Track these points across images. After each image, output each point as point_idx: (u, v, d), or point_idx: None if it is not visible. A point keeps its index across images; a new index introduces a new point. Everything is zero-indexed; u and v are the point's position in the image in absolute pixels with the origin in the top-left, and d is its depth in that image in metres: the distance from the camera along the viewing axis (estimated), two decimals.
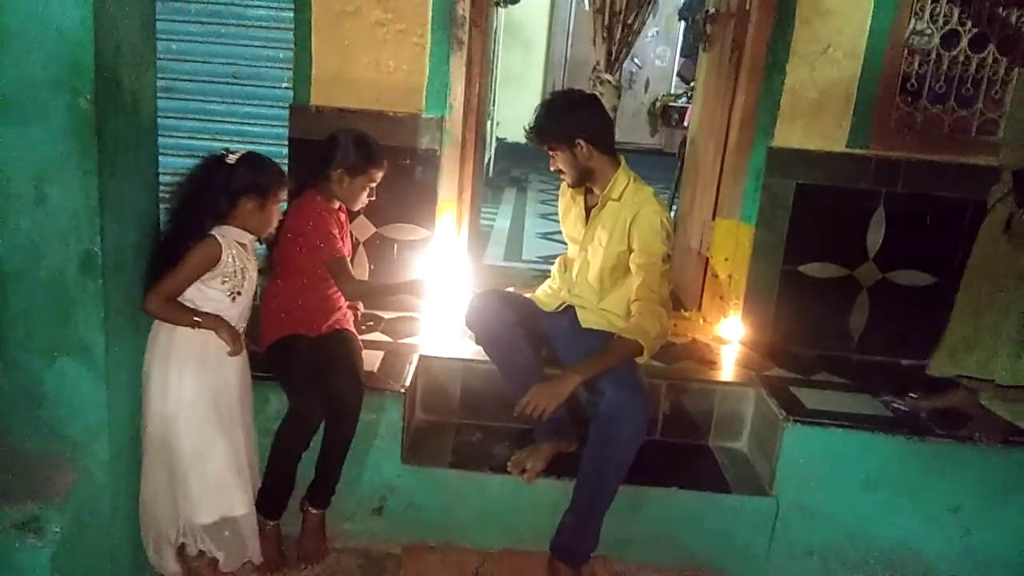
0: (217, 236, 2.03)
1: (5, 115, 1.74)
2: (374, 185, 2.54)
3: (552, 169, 2.47)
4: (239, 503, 2.15)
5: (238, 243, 2.08)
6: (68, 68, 1.71)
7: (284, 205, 2.35)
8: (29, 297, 1.84)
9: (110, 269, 1.84)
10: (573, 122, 2.37)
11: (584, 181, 2.44)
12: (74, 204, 1.77)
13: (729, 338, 3.19)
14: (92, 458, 1.94)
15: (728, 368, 2.98)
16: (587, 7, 5.25)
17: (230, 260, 2.04)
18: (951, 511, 2.52)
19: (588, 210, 2.52)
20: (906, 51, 2.94)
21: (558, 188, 2.67)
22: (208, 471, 2.10)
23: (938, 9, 2.91)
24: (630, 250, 2.42)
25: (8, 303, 1.85)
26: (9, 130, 1.75)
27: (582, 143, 2.36)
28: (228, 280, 2.06)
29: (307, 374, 2.30)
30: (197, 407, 2.07)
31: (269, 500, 2.31)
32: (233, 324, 2.09)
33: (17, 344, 1.88)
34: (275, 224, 2.22)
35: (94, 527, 1.95)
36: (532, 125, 2.41)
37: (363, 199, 2.54)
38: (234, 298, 2.09)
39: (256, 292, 2.22)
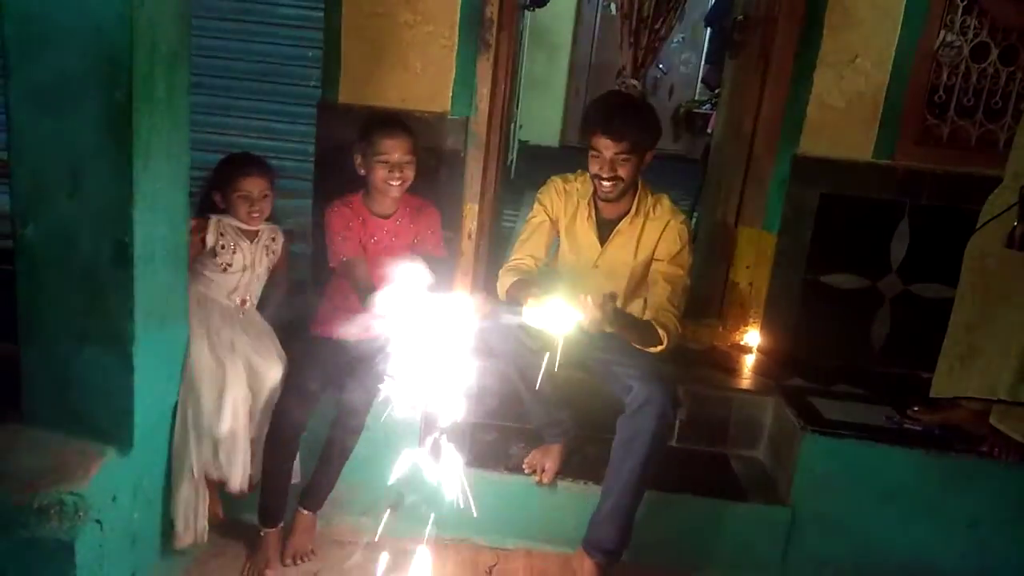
0: (212, 221, 2.37)
1: (43, 106, 1.78)
2: (385, 158, 2.39)
3: (606, 174, 2.33)
4: (244, 429, 2.29)
5: (237, 228, 2.39)
6: (105, 63, 1.74)
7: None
8: (62, 285, 1.87)
9: (141, 260, 1.87)
10: (656, 133, 2.38)
11: (623, 194, 2.41)
12: (107, 195, 1.81)
13: (749, 346, 3.19)
14: (117, 444, 1.97)
15: (747, 376, 2.97)
16: (614, 12, 5.27)
17: (220, 239, 2.36)
18: (968, 526, 2.50)
19: (600, 224, 2.49)
20: (935, 63, 2.92)
21: None
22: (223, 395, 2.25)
23: (968, 21, 2.89)
24: (652, 260, 2.44)
25: (41, 291, 1.89)
26: (46, 121, 1.79)
27: (649, 156, 2.38)
28: (219, 256, 2.37)
29: (304, 384, 2.33)
30: (202, 361, 2.24)
31: (261, 504, 2.35)
32: (229, 292, 2.39)
33: (48, 331, 1.93)
34: (255, 213, 2.38)
35: (117, 512, 1.98)
36: (625, 124, 2.30)
37: (385, 180, 2.41)
38: (224, 269, 2.38)
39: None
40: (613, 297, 2.14)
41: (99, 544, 1.88)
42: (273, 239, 2.50)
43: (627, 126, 2.31)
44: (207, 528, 2.31)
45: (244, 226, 2.41)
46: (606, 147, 2.32)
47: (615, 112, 2.35)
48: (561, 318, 2.12)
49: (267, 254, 2.48)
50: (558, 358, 2.07)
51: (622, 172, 2.34)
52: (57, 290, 1.89)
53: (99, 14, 1.72)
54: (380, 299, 2.08)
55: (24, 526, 1.77)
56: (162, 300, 2.04)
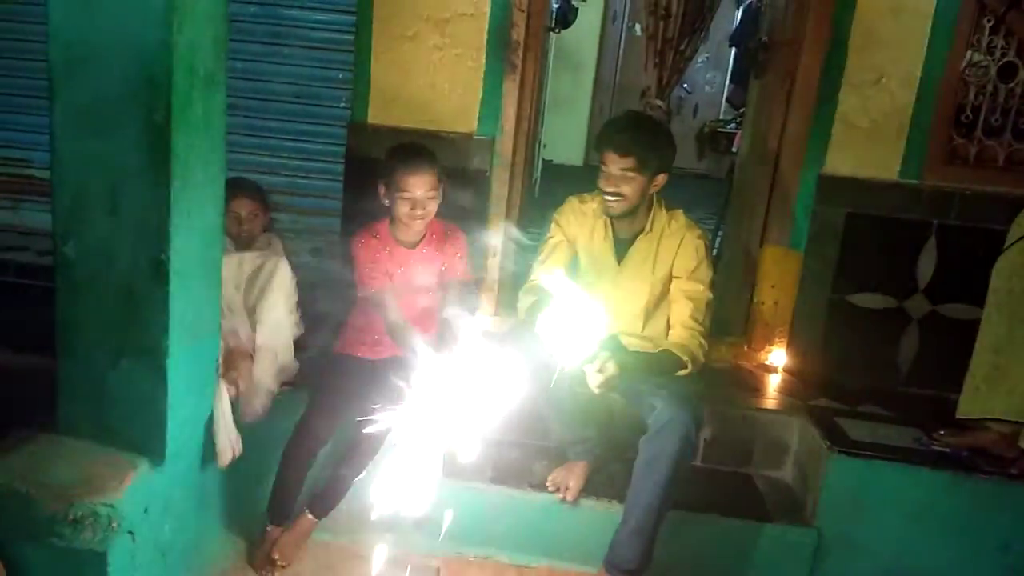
0: None
1: (85, 127, 1.84)
2: (408, 195, 2.38)
3: (609, 189, 2.35)
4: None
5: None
6: (145, 85, 1.80)
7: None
8: (99, 301, 1.93)
9: (177, 276, 1.91)
10: (667, 155, 2.37)
11: (630, 214, 2.41)
12: (145, 214, 1.86)
13: (774, 366, 3.17)
14: (150, 457, 2.01)
15: (772, 396, 2.96)
16: (639, 33, 5.30)
17: None
18: (999, 550, 2.46)
19: (616, 242, 2.49)
20: (961, 82, 2.92)
21: None
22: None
23: (995, 41, 2.88)
24: (671, 276, 2.44)
25: (79, 306, 1.94)
26: (88, 141, 1.85)
27: (661, 179, 2.37)
28: None
29: (330, 401, 2.38)
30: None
31: (271, 502, 2.40)
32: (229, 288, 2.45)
33: (85, 345, 1.98)
34: (244, 233, 2.53)
35: (149, 524, 2.01)
36: (631, 140, 2.31)
37: (407, 215, 2.42)
38: None
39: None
40: (610, 355, 2.14)
41: (131, 555, 1.92)
42: (269, 243, 2.63)
43: (633, 142, 2.31)
44: (240, 439, 2.34)
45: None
46: (612, 161, 2.33)
47: (624, 128, 2.37)
48: (577, 334, 2.14)
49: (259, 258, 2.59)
50: (567, 375, 2.08)
51: (625, 189, 2.33)
52: (95, 305, 1.94)
53: (140, 39, 1.78)
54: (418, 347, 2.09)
55: (58, 536, 1.81)
56: (197, 315, 2.08)
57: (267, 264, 2.51)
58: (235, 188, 2.51)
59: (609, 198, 2.37)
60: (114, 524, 1.85)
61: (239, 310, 2.48)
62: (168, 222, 1.86)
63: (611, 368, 2.12)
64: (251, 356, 2.46)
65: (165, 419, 2.00)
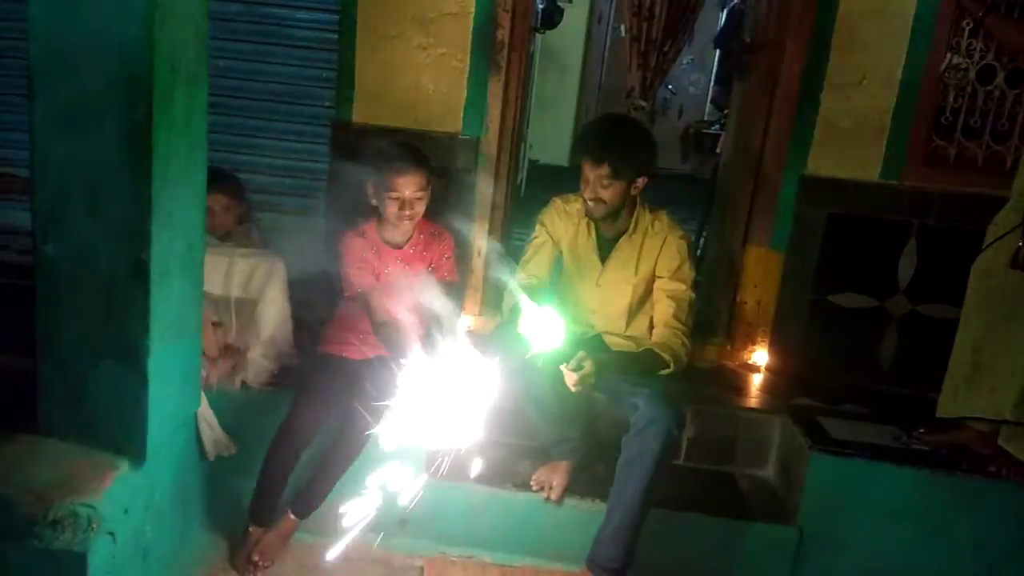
0: None
1: (65, 125, 1.83)
2: (396, 195, 2.38)
3: (587, 196, 2.37)
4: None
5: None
6: (126, 83, 1.79)
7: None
8: (79, 300, 1.91)
9: (158, 276, 1.91)
10: (644, 159, 2.36)
11: (613, 216, 2.42)
12: (126, 213, 1.85)
13: (756, 365, 3.19)
14: (131, 457, 2.00)
15: (754, 395, 2.98)
16: (623, 34, 5.31)
17: None
18: (975, 547, 2.49)
19: (600, 242, 2.50)
20: (941, 85, 2.95)
21: None
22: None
23: (974, 44, 2.91)
24: (654, 276, 2.45)
25: (59, 306, 1.93)
26: (68, 139, 1.84)
27: (641, 182, 2.37)
28: None
29: (315, 400, 2.39)
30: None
31: (253, 502, 2.40)
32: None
33: (65, 345, 1.96)
34: (219, 228, 2.58)
35: (130, 524, 2.00)
36: (606, 149, 2.31)
37: (396, 215, 2.42)
38: None
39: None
40: (586, 355, 2.14)
41: (111, 556, 1.90)
42: (248, 236, 2.70)
43: (607, 151, 2.32)
44: (227, 438, 2.41)
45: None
46: (589, 169, 2.35)
47: (599, 137, 2.39)
48: (555, 333, 2.14)
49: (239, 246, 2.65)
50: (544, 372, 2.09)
51: (604, 195, 2.35)
52: (75, 305, 1.92)
53: (121, 36, 1.77)
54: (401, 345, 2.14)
55: (38, 537, 1.79)
56: (178, 315, 2.07)
57: (262, 265, 2.54)
58: (208, 181, 2.49)
59: (589, 204, 2.39)
60: (94, 525, 1.84)
61: (225, 307, 2.49)
62: (149, 221, 1.85)
63: (588, 367, 2.13)
64: (230, 347, 2.50)
65: (146, 419, 1.99)
